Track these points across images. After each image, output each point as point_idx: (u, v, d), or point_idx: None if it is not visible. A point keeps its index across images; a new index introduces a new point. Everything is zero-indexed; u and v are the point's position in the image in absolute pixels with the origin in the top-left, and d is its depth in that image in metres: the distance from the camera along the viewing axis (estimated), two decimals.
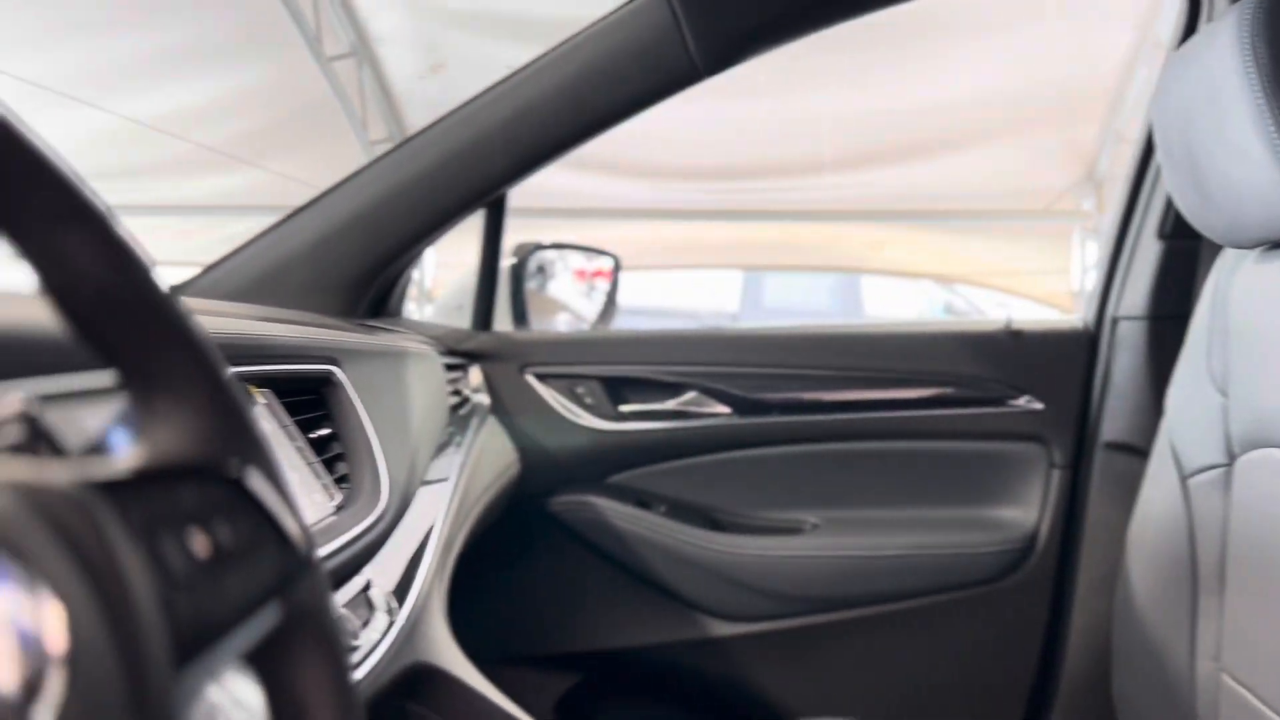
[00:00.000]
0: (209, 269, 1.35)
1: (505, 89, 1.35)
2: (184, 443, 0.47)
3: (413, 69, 4.39)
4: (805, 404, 1.60)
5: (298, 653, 0.48)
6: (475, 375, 1.56)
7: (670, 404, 1.61)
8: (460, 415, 1.42)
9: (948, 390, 1.59)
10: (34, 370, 0.62)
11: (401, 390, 1.22)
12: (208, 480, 0.46)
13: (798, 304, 6.99)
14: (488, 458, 1.43)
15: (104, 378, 0.70)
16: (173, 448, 0.46)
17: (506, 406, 1.58)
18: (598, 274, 1.97)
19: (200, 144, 4.43)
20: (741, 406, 1.60)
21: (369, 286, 1.40)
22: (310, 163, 4.43)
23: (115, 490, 0.39)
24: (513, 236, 1.66)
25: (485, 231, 1.56)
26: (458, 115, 1.38)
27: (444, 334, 1.55)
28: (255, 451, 0.50)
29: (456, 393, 1.44)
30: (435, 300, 4.40)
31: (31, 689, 0.30)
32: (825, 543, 1.58)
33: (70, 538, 0.35)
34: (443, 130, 1.38)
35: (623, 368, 1.61)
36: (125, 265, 0.44)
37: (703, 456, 1.61)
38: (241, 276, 1.34)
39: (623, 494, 1.60)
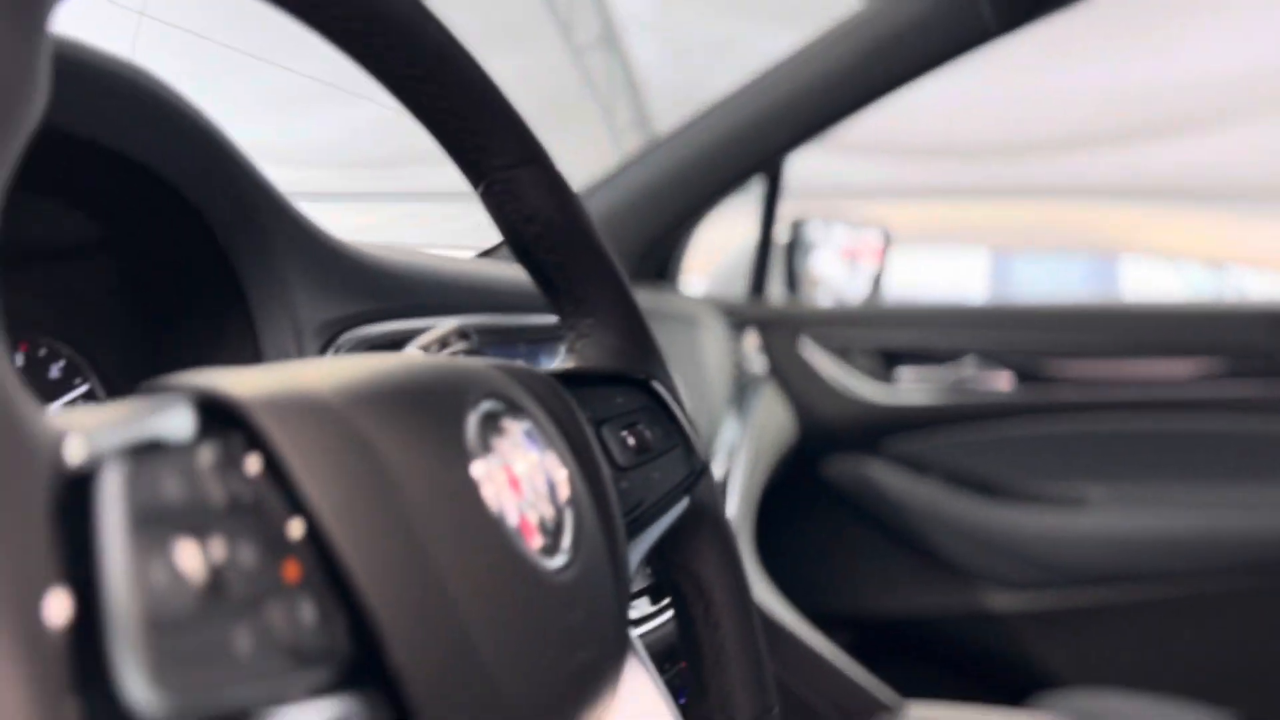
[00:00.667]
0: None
1: (793, 59, 1.38)
2: (606, 357, 0.53)
3: (657, 55, 4.49)
4: (1091, 378, 1.56)
5: (701, 544, 0.54)
6: (752, 341, 1.60)
7: (946, 373, 1.60)
8: (741, 379, 1.46)
9: (1251, 365, 1.51)
10: (457, 309, 0.71)
11: (695, 352, 1.27)
12: (629, 388, 0.52)
13: (1050, 288, 6.70)
14: (767, 421, 1.47)
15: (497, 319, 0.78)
16: (597, 361, 0.52)
17: (782, 372, 1.61)
18: (863, 251, 1.95)
19: None
20: (1022, 377, 1.57)
21: (654, 254, 1.47)
22: (560, 150, 4.60)
23: (570, 384, 0.46)
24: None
25: (763, 202, 1.59)
26: (742, 90, 1.42)
27: (722, 301, 1.60)
28: (660, 368, 0.56)
29: (737, 357, 1.49)
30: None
31: (559, 521, 0.38)
32: (1112, 518, 1.53)
33: (555, 416, 0.42)
34: (727, 104, 1.42)
35: (899, 337, 1.62)
36: (566, 203, 0.51)
37: (980, 425, 1.59)
38: None
39: (897, 461, 1.61)
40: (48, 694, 0.18)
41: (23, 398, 0.21)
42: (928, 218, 4.76)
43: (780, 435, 1.52)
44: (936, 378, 1.61)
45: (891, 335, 1.62)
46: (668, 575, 0.53)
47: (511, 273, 0.91)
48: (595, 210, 1.45)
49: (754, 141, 1.41)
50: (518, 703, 0.32)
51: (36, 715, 0.18)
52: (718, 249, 1.85)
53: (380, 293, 0.65)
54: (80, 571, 0.21)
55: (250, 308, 0.57)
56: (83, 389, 0.58)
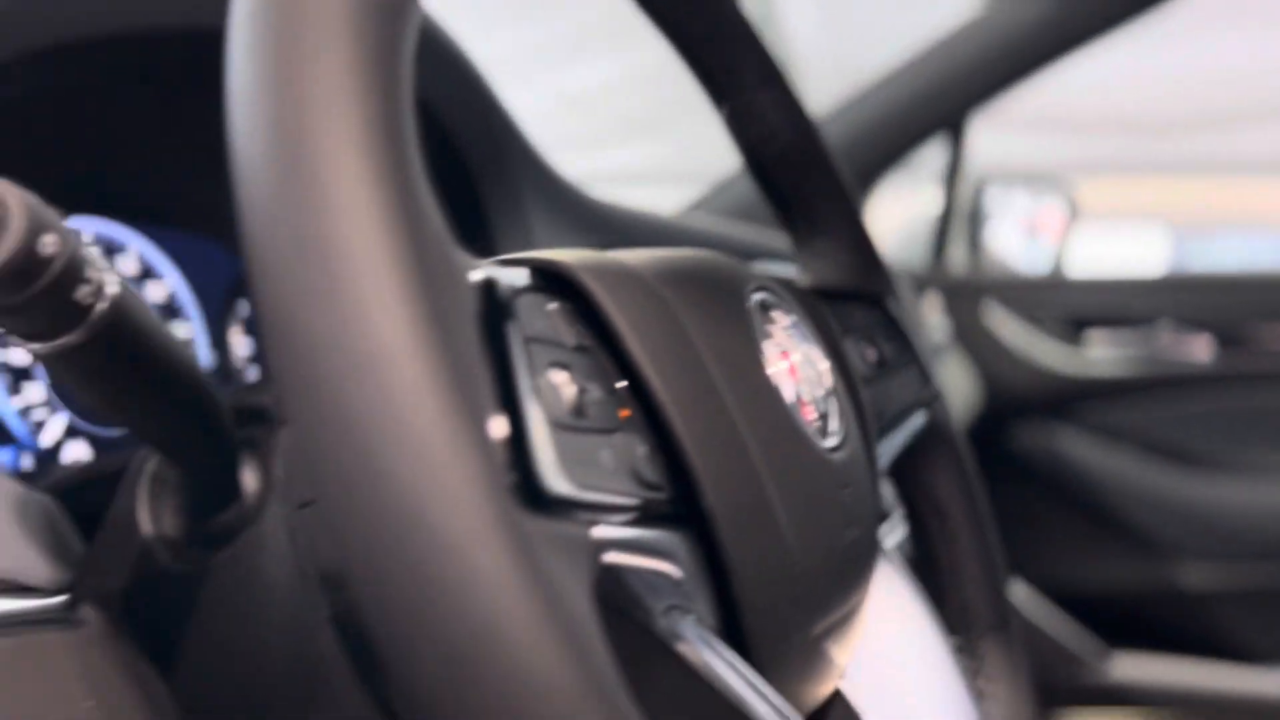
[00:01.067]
0: (707, 197, 1.45)
1: (985, 14, 1.36)
2: (839, 275, 0.54)
3: (814, 32, 4.45)
4: None
5: (938, 461, 0.54)
6: (932, 306, 1.57)
7: (1139, 338, 1.54)
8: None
9: None
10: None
11: None
12: (864, 305, 0.53)
13: (1235, 268, 6.34)
14: (951, 388, 1.44)
15: None
16: (830, 279, 0.53)
17: (967, 338, 1.58)
18: (1044, 224, 1.87)
19: (618, 116, 4.74)
20: (1222, 343, 1.50)
21: None
22: (719, 126, 4.61)
23: (813, 294, 0.47)
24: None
25: (948, 162, 1.57)
26: (929, 48, 1.40)
27: (902, 265, 1.58)
28: (891, 288, 0.57)
29: (920, 321, 1.47)
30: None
31: (827, 407, 0.40)
32: None
33: (811, 318, 0.43)
34: (914, 62, 1.41)
35: (1089, 302, 1.57)
36: (804, 126, 0.52)
37: (1176, 394, 1.53)
38: (734, 202, 1.43)
39: (1089, 430, 1.56)
40: (501, 497, 0.21)
41: (451, 240, 0.24)
42: (1106, 195, 4.58)
43: (965, 403, 1.49)
44: (1129, 343, 1.55)
45: (1081, 300, 1.57)
46: (906, 493, 0.54)
47: (715, 225, 0.93)
48: None
49: (939, 97, 1.40)
50: (803, 562, 0.34)
51: (495, 513, 0.20)
52: (879, 225, 1.82)
53: (607, 232, 0.68)
54: (501, 386, 0.24)
55: (493, 236, 0.60)
56: None
